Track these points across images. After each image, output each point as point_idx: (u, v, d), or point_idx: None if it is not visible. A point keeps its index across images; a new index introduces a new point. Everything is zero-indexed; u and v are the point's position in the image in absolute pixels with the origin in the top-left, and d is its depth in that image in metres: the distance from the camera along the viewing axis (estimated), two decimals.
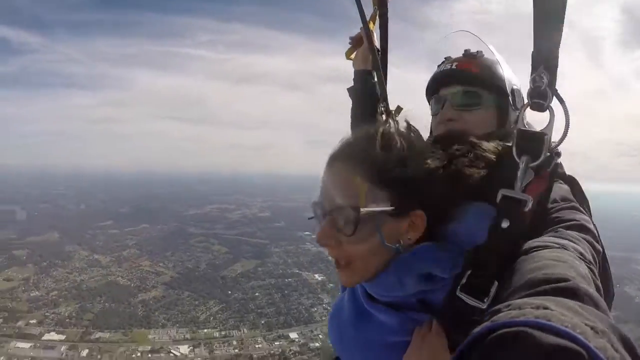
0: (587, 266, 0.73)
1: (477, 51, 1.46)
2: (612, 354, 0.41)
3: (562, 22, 0.81)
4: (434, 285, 0.91)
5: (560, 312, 0.47)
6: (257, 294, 49.15)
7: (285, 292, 49.41)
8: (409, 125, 1.00)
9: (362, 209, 0.87)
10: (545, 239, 0.82)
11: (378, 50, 1.69)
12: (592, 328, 0.44)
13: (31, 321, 40.11)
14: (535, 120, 0.99)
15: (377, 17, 1.70)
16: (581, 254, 0.77)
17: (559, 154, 0.92)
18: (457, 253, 0.89)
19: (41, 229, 70.76)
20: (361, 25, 1.62)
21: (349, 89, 1.84)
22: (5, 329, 38.68)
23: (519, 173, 0.84)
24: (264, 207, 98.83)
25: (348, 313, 1.06)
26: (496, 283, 0.77)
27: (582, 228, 0.90)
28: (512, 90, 1.39)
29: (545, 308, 0.48)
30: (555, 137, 0.88)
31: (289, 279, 52.72)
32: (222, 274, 54.49)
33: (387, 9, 1.69)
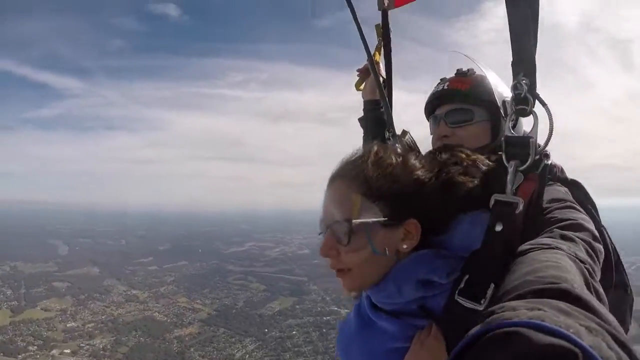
0: (583, 266, 0.74)
1: (468, 69, 1.57)
2: (607, 352, 0.42)
3: (537, 30, 0.88)
4: (433, 291, 0.93)
5: (553, 313, 0.47)
6: (294, 332, 46.70)
7: (324, 330, 46.35)
8: (405, 144, 1.11)
9: (354, 221, 0.96)
10: (540, 240, 0.83)
11: (384, 80, 1.77)
12: (586, 328, 0.45)
13: (65, 350, 39.85)
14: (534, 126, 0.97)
15: (382, 47, 1.81)
16: (575, 254, 0.77)
17: (547, 156, 0.94)
18: (454, 259, 0.94)
19: (81, 263, 73.05)
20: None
21: (359, 119, 1.90)
22: (39, 356, 38.55)
23: (509, 177, 0.89)
24: (303, 244, 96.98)
25: (353, 325, 1.10)
26: (492, 285, 0.79)
27: (579, 227, 0.91)
28: (504, 102, 1.47)
29: (539, 309, 0.49)
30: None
31: (327, 317, 49.77)
32: (259, 312, 52.91)
33: (390, 39, 1.79)
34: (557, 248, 0.77)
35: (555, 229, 0.89)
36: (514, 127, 0.95)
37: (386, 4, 1.76)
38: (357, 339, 1.06)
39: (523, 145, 0.89)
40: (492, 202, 0.88)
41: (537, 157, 0.90)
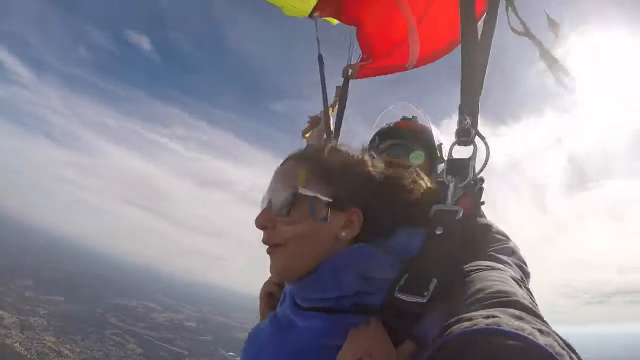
0: (522, 284, 0.85)
1: (413, 116, 1.92)
2: (559, 350, 0.46)
3: (483, 82, 1.06)
4: (371, 287, 0.90)
5: (507, 319, 0.52)
6: None
7: None
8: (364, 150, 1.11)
9: (299, 190, 0.95)
10: (485, 263, 0.91)
11: (331, 132, 1.99)
12: (538, 330, 0.50)
13: None
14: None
15: (337, 105, 2.04)
16: (512, 276, 0.87)
17: (482, 180, 1.02)
18: (393, 258, 0.92)
19: None
20: (321, 109, 1.97)
21: None
22: None
23: (449, 191, 0.99)
24: (192, 317, 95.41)
25: (268, 330, 1.02)
26: (435, 280, 0.83)
27: (512, 252, 1.06)
28: (439, 146, 1.79)
29: (494, 316, 0.53)
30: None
31: None
32: None
33: (346, 101, 2.03)
34: (500, 270, 0.86)
35: (492, 253, 1.01)
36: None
37: (349, 74, 2.02)
38: (273, 342, 0.98)
39: (463, 166, 1.00)
40: (432, 212, 0.95)
41: (475, 178, 1.00)
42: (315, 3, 2.14)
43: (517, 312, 0.56)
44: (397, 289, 0.86)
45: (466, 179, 1.01)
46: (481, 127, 1.05)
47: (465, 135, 1.05)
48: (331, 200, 0.97)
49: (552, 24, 1.47)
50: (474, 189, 1.01)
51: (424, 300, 0.82)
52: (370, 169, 1.04)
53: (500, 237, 1.05)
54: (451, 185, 1.01)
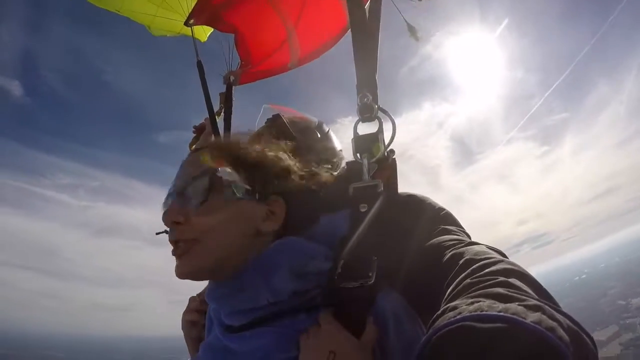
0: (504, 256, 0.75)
1: (272, 115, 1.62)
2: (550, 323, 0.44)
3: (377, 59, 1.08)
4: (307, 284, 0.81)
5: (491, 302, 0.50)
6: None
7: None
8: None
9: (217, 173, 0.84)
10: (450, 237, 0.84)
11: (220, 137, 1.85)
12: (525, 306, 0.47)
13: None
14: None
15: (222, 112, 1.94)
16: (490, 247, 0.79)
17: (393, 152, 1.00)
18: (323, 246, 0.85)
19: None
20: (205, 117, 1.91)
21: None
22: None
23: (363, 168, 0.95)
24: None
25: (207, 358, 0.87)
26: (375, 258, 0.80)
27: (453, 220, 0.95)
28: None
29: (478, 302, 0.51)
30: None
31: None
32: None
33: (232, 109, 1.92)
34: (477, 243, 0.78)
35: (443, 225, 0.91)
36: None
37: (231, 80, 1.97)
38: None
39: (372, 140, 0.99)
40: (351, 191, 0.91)
41: (386, 151, 0.98)
42: (183, 22, 2.07)
43: (502, 290, 0.53)
44: (336, 277, 0.80)
45: (378, 153, 0.98)
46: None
47: (368, 111, 1.04)
48: (250, 188, 0.87)
49: (411, 30, 1.70)
50: (387, 162, 0.99)
51: (371, 281, 0.78)
52: (289, 160, 0.96)
53: (432, 204, 1.01)
54: (364, 161, 0.98)
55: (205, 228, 0.82)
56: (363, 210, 0.87)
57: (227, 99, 1.97)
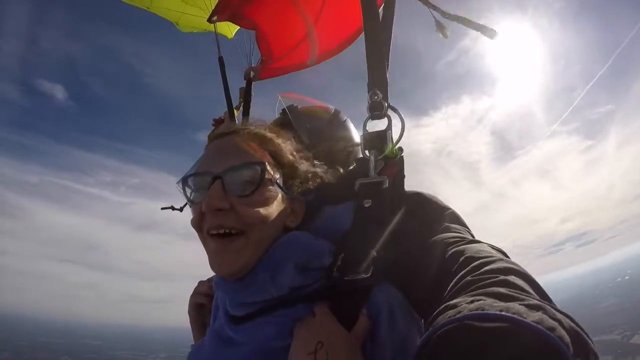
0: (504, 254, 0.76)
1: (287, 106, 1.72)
2: (550, 323, 0.43)
3: (388, 57, 1.12)
4: (309, 279, 0.83)
5: (492, 301, 0.49)
6: None
7: None
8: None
9: (268, 166, 0.84)
10: (453, 234, 0.84)
11: None
12: (526, 306, 0.47)
13: None
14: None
15: (241, 107, 2.05)
16: (491, 246, 0.80)
17: (401, 149, 1.00)
18: (325, 241, 0.88)
19: None
20: (225, 111, 1.94)
21: None
22: None
23: (370, 164, 0.97)
24: None
25: (211, 349, 0.89)
26: (374, 252, 0.81)
27: (457, 218, 0.97)
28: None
29: (479, 300, 0.50)
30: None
31: None
32: None
33: (250, 103, 2.01)
34: (479, 242, 0.78)
35: (447, 223, 0.92)
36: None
37: (252, 75, 2.04)
38: (217, 357, 0.86)
39: (380, 138, 1.00)
40: (357, 186, 0.93)
41: (395, 148, 0.99)
42: (207, 17, 2.13)
43: (503, 290, 0.53)
44: (335, 270, 0.82)
45: (385, 151, 0.99)
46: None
47: (378, 108, 1.05)
48: (283, 184, 0.90)
49: (439, 26, 1.66)
50: (395, 159, 0.99)
51: (368, 275, 0.79)
52: (308, 159, 1.02)
53: (438, 203, 1.02)
54: (371, 157, 0.99)
55: (252, 220, 0.81)
56: (367, 205, 0.89)
57: (246, 94, 2.03)
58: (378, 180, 0.93)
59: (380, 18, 1.19)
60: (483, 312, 0.46)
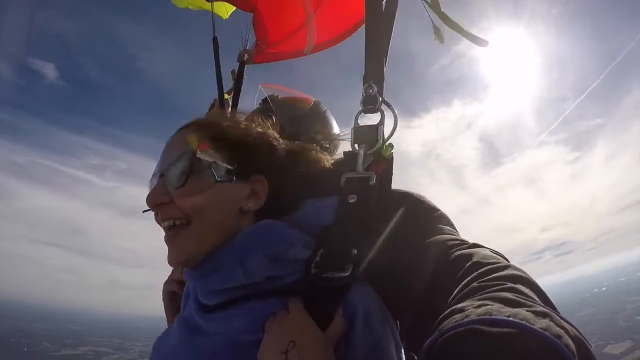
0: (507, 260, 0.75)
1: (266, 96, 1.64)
2: (557, 330, 0.44)
3: (387, 51, 1.08)
4: (284, 270, 0.79)
5: (500, 306, 0.49)
6: None
7: None
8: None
9: (197, 154, 0.83)
10: (451, 236, 0.83)
11: None
12: (533, 312, 0.47)
13: None
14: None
15: (233, 90, 1.96)
16: (493, 251, 0.78)
17: (392, 146, 0.97)
18: (306, 235, 0.83)
19: None
20: (215, 96, 1.87)
21: None
22: None
23: (359, 158, 0.93)
24: (145, 352, 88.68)
25: (178, 336, 0.86)
26: (355, 250, 0.78)
27: (447, 221, 0.95)
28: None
29: (486, 305, 0.50)
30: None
31: None
32: None
33: (241, 87, 1.93)
34: (482, 246, 0.77)
35: (439, 225, 0.91)
36: None
37: (245, 58, 1.96)
38: (183, 348, 0.82)
39: (372, 132, 0.96)
40: (343, 180, 0.89)
41: (385, 144, 0.95)
42: None
43: (510, 295, 0.53)
44: (313, 266, 0.79)
45: (375, 145, 0.95)
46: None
47: (372, 102, 1.02)
48: (231, 167, 0.86)
49: (436, 31, 1.66)
50: (385, 155, 0.95)
51: (347, 274, 0.76)
52: (275, 136, 0.96)
53: (428, 204, 1.00)
54: (361, 151, 0.95)
55: (188, 209, 0.81)
56: (352, 201, 0.85)
57: (238, 77, 1.97)
58: (365, 176, 0.88)
59: (383, 8, 1.14)
60: (491, 317, 0.46)
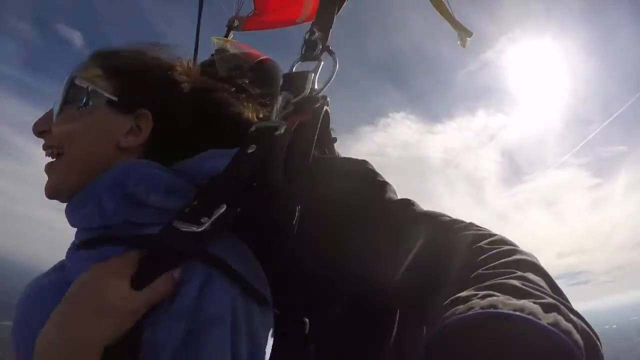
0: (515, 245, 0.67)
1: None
2: (565, 325, 0.41)
3: (339, 8, 1.03)
4: (143, 217, 0.67)
5: (506, 297, 0.46)
6: None
7: None
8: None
9: (75, 81, 0.77)
10: (433, 212, 0.76)
11: None
12: (540, 305, 0.44)
13: None
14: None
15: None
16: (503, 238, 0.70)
17: (325, 97, 0.86)
18: (183, 181, 0.73)
19: None
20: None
21: None
22: None
23: (276, 105, 0.82)
24: None
25: (48, 280, 0.72)
26: (224, 206, 0.65)
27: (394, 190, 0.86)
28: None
29: (491, 296, 0.47)
30: None
31: None
32: None
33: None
34: (476, 226, 0.71)
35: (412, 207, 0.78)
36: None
37: (235, 24, 1.93)
38: (38, 282, 0.72)
39: (300, 79, 0.86)
40: (252, 129, 0.76)
41: (316, 94, 0.85)
42: None
43: (518, 283, 0.49)
44: (178, 216, 0.65)
45: (301, 94, 0.85)
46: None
47: (312, 48, 0.93)
48: (115, 98, 0.78)
49: (461, 36, 1.66)
50: (313, 106, 0.83)
51: (198, 230, 0.63)
52: (178, 73, 0.85)
53: (373, 169, 0.89)
54: (280, 98, 0.84)
55: (60, 136, 0.76)
56: (250, 151, 0.72)
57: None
58: (272, 125, 0.76)
59: None
60: (495, 311, 0.43)
